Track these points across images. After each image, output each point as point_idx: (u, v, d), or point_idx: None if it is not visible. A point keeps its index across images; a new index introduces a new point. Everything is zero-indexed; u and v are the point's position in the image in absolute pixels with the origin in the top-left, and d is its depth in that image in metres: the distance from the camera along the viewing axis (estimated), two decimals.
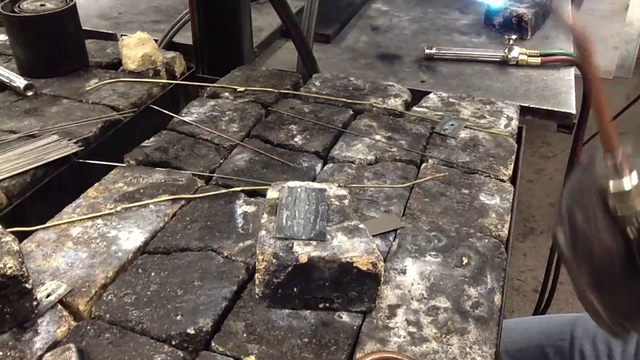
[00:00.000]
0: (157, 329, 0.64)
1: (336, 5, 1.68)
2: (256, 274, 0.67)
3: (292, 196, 0.72)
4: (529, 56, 1.36)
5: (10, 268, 0.60)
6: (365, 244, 0.66)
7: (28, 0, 1.15)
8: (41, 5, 1.14)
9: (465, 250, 0.77)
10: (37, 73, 1.14)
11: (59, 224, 0.78)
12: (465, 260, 0.75)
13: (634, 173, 0.54)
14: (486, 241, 0.79)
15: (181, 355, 0.61)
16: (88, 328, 0.64)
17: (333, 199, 0.74)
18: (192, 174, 0.89)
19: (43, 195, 0.88)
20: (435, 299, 0.70)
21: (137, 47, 1.16)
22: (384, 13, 1.72)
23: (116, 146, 0.97)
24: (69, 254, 0.73)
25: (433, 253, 0.76)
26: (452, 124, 1.03)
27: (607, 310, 0.57)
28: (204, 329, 0.64)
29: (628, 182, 0.53)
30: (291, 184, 0.75)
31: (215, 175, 0.90)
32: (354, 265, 0.65)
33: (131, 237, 0.77)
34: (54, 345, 0.62)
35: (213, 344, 0.63)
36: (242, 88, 1.13)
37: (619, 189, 0.53)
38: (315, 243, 0.66)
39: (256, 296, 0.68)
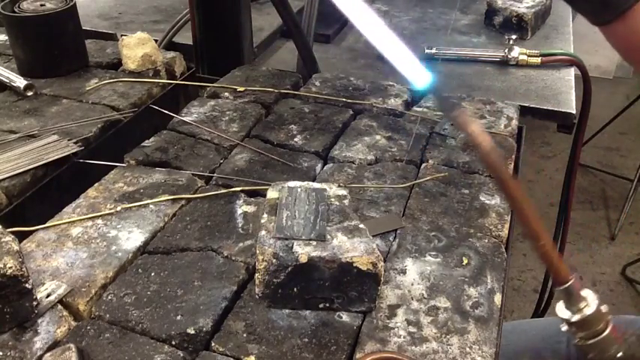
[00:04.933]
0: (157, 329, 0.64)
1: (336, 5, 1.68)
2: (256, 274, 0.67)
3: (292, 196, 0.72)
4: (529, 56, 1.36)
5: (10, 268, 0.60)
6: (365, 244, 0.66)
7: (28, 0, 1.15)
8: (41, 5, 1.14)
9: (465, 250, 0.77)
10: (37, 73, 1.14)
11: (59, 224, 0.78)
12: (465, 260, 0.75)
13: (591, 297, 0.52)
14: (486, 241, 0.79)
15: (181, 355, 0.61)
16: (88, 328, 0.64)
17: (333, 199, 0.74)
18: (192, 174, 0.89)
19: (43, 195, 0.88)
20: (435, 299, 0.70)
21: (137, 47, 1.16)
22: (384, 13, 1.71)
23: (116, 146, 0.97)
24: (69, 254, 0.73)
25: (433, 253, 0.76)
26: (452, 124, 1.03)
27: None
28: (204, 329, 0.64)
29: (588, 308, 0.52)
30: (291, 184, 0.75)
31: (215, 175, 0.90)
32: (354, 265, 0.65)
33: (131, 237, 0.77)
34: (54, 345, 0.62)
35: (213, 344, 0.63)
36: (242, 88, 1.13)
37: (580, 317, 0.51)
38: (315, 243, 0.66)
39: (256, 296, 0.68)
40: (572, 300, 0.52)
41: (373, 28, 0.45)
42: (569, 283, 0.51)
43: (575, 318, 0.51)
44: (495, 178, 0.45)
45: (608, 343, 0.53)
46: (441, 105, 0.47)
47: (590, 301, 0.52)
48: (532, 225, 0.46)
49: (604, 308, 0.53)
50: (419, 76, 0.48)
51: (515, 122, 1.07)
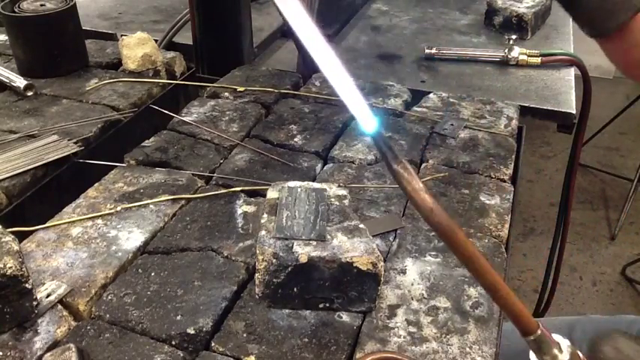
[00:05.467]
0: (157, 329, 0.64)
1: (336, 5, 1.68)
2: (256, 274, 0.67)
3: (292, 196, 0.72)
4: (529, 56, 1.36)
5: (10, 268, 0.60)
6: (365, 244, 0.66)
7: (28, 0, 1.15)
8: (41, 5, 1.14)
9: None
10: (37, 73, 1.14)
11: (59, 224, 0.78)
12: None
13: (563, 343, 0.48)
14: (486, 241, 0.79)
15: (181, 355, 0.61)
16: (88, 328, 0.64)
17: (333, 199, 0.74)
18: (192, 174, 0.89)
19: (43, 195, 0.88)
20: (435, 299, 0.70)
21: (137, 47, 1.16)
22: (384, 13, 1.71)
23: (116, 146, 0.97)
24: (69, 254, 0.73)
25: (433, 253, 0.76)
26: (452, 124, 1.03)
27: None
28: (204, 329, 0.64)
29: (562, 355, 0.48)
30: (291, 184, 0.75)
31: (215, 175, 0.90)
32: (354, 265, 0.65)
33: (131, 237, 0.77)
34: (54, 345, 0.62)
35: (213, 344, 0.63)
36: (242, 88, 1.13)
37: None
38: (315, 243, 0.66)
39: (256, 296, 0.68)
40: (544, 349, 0.48)
41: (334, 71, 0.43)
42: (538, 333, 0.47)
43: None
44: (443, 237, 0.42)
45: None
46: (383, 156, 0.44)
47: (564, 348, 0.48)
48: (489, 277, 0.44)
49: (580, 354, 0.50)
50: (367, 121, 0.45)
51: (515, 122, 1.07)
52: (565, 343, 0.48)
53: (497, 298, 0.45)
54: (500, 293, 0.45)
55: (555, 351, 0.47)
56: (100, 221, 0.79)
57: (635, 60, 0.75)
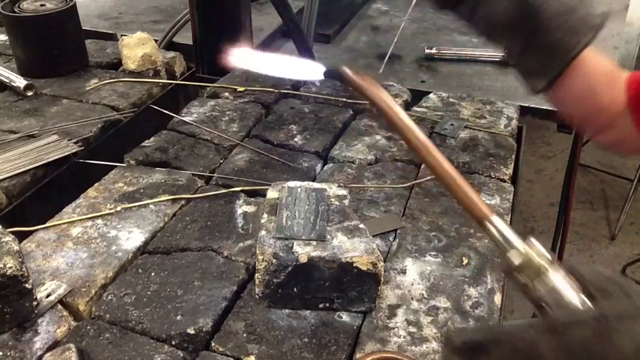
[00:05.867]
0: (157, 329, 0.64)
1: (336, 5, 1.68)
2: (256, 274, 0.67)
3: (292, 196, 0.72)
4: None
5: (10, 268, 0.60)
6: (365, 244, 0.66)
7: (28, 0, 1.15)
8: (41, 5, 1.14)
9: (465, 250, 0.77)
10: (37, 73, 1.14)
11: (59, 224, 0.78)
12: (465, 260, 0.75)
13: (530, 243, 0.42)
14: (486, 241, 0.79)
15: (181, 355, 0.61)
16: (88, 328, 0.64)
17: (333, 199, 0.74)
18: (192, 174, 0.89)
19: (43, 195, 0.88)
20: (435, 299, 0.70)
21: (137, 47, 1.16)
22: (384, 13, 1.71)
23: (116, 146, 0.97)
24: (69, 254, 0.73)
25: (433, 253, 0.76)
26: (452, 124, 1.03)
27: None
28: (204, 329, 0.64)
29: (524, 245, 0.42)
30: (291, 184, 0.75)
31: (215, 175, 0.90)
32: (354, 265, 0.65)
33: (131, 237, 0.76)
34: (54, 345, 0.62)
35: (213, 344, 0.63)
36: (242, 88, 1.13)
37: (522, 257, 0.41)
38: (315, 243, 0.66)
39: (256, 296, 0.68)
40: (504, 237, 0.44)
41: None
42: (492, 217, 0.43)
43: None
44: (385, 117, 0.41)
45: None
46: (330, 75, 0.44)
47: (518, 244, 0.42)
48: (432, 158, 0.42)
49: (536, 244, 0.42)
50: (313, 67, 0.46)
51: (515, 122, 1.07)
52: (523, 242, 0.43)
53: (445, 181, 0.44)
54: (447, 177, 0.43)
55: (513, 240, 0.42)
56: (100, 221, 0.79)
57: (584, 98, 0.68)
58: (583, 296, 0.37)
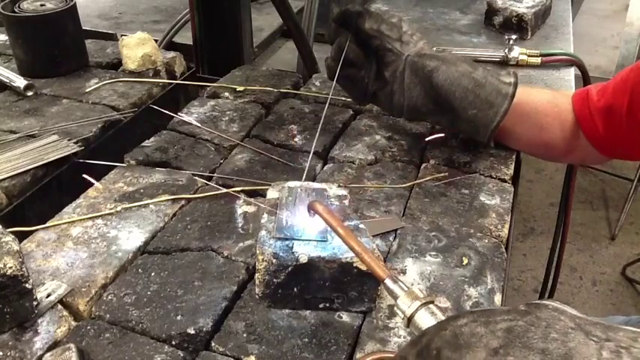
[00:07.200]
0: (157, 329, 0.64)
1: (337, 5, 1.68)
2: (256, 274, 0.67)
3: (292, 196, 0.72)
4: (529, 56, 1.36)
5: (10, 268, 0.60)
6: (365, 244, 0.66)
7: (28, 0, 1.15)
8: (41, 5, 1.14)
9: (465, 250, 0.77)
10: (37, 73, 1.15)
11: (59, 224, 0.78)
12: (465, 260, 0.75)
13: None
14: (486, 241, 0.79)
15: (181, 355, 0.61)
16: (88, 328, 0.64)
17: (333, 199, 0.74)
18: (192, 174, 0.89)
19: (43, 195, 0.88)
20: (435, 299, 0.69)
21: (137, 47, 1.16)
22: (384, 13, 1.71)
23: (116, 146, 0.97)
24: (69, 254, 0.73)
25: (433, 253, 0.76)
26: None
27: None
28: (204, 329, 0.64)
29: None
30: (291, 184, 0.75)
31: (215, 175, 0.90)
32: (354, 265, 0.65)
33: (131, 237, 0.77)
34: (54, 345, 0.62)
35: (213, 344, 0.63)
36: (242, 88, 1.13)
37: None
38: (315, 243, 0.66)
39: (256, 296, 0.68)
40: (394, 293, 0.55)
41: None
42: (386, 280, 0.56)
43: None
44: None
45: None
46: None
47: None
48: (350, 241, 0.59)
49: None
50: None
51: None
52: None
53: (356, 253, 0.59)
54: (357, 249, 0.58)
55: (399, 292, 0.55)
56: (100, 221, 0.79)
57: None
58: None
